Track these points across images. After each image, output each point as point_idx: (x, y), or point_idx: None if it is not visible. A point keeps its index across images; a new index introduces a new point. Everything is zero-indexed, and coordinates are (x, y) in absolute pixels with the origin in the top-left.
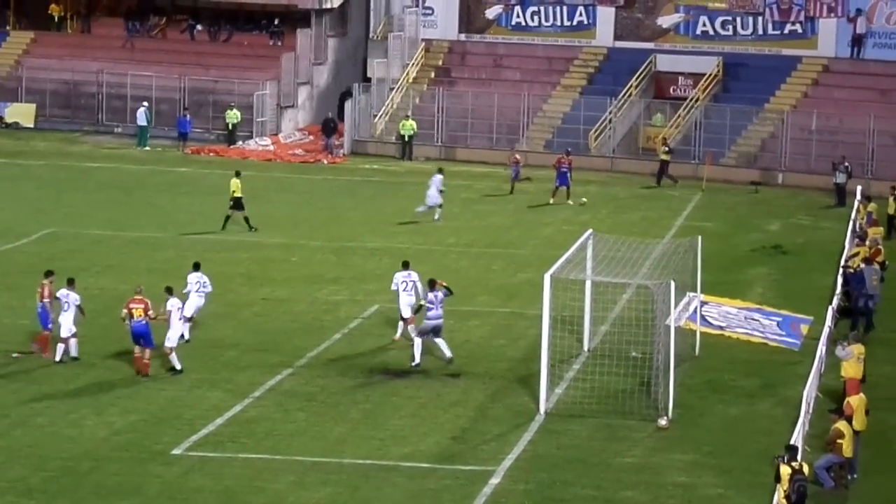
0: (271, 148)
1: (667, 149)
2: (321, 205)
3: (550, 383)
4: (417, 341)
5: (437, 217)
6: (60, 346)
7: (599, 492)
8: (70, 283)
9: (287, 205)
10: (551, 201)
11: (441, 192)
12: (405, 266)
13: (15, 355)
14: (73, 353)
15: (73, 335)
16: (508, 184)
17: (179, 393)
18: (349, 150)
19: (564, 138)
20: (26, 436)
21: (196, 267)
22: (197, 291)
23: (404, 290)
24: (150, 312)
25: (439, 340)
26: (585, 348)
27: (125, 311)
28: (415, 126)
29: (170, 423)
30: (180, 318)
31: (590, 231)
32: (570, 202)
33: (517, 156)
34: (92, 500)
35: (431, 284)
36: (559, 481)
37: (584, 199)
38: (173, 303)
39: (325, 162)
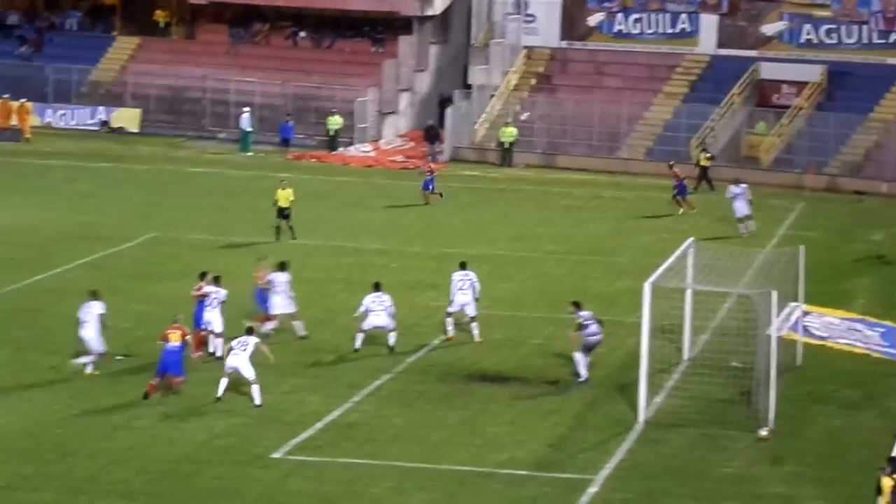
0: (372, 154)
1: (708, 154)
2: (421, 211)
3: (649, 392)
4: (578, 357)
5: (745, 230)
6: (218, 342)
7: (697, 502)
8: (216, 280)
9: (387, 211)
10: (680, 212)
11: (749, 202)
12: (462, 266)
13: (118, 357)
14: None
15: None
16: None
17: (279, 397)
18: (449, 157)
19: (665, 146)
20: (128, 438)
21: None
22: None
23: (460, 289)
24: (187, 337)
25: (586, 358)
26: (685, 357)
27: (161, 339)
28: (515, 133)
29: (270, 427)
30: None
31: (691, 239)
32: (681, 211)
33: (677, 170)
34: (194, 501)
35: (577, 305)
36: (657, 491)
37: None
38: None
39: (426, 168)
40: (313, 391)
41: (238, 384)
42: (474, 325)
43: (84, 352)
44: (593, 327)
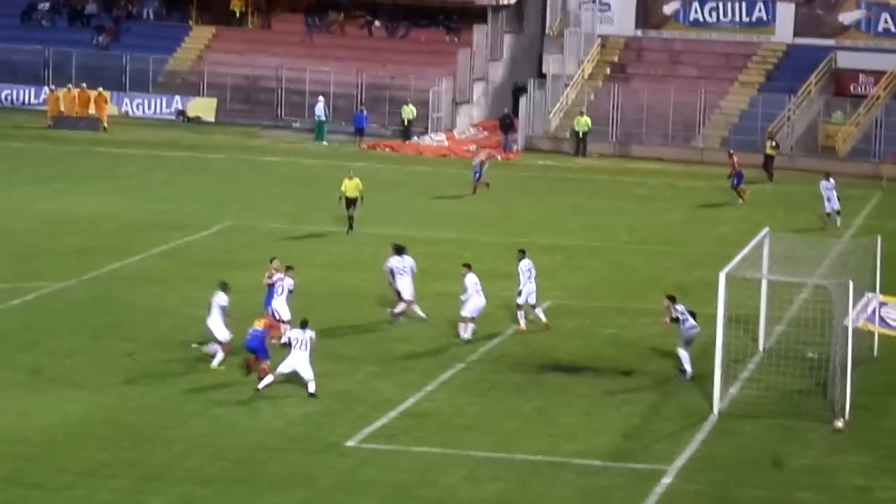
0: (446, 144)
1: (774, 143)
2: (495, 200)
3: (724, 383)
4: (682, 353)
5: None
6: (285, 328)
7: (773, 493)
8: (288, 269)
9: (461, 200)
10: (740, 202)
11: (838, 198)
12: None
13: (194, 346)
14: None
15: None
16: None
17: (353, 385)
18: (523, 147)
19: (741, 136)
20: (204, 425)
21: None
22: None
23: (528, 279)
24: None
25: (687, 353)
26: (761, 348)
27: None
28: (589, 122)
29: (343, 415)
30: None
31: (766, 229)
32: (742, 200)
33: (736, 158)
34: (267, 490)
35: (672, 299)
36: (732, 482)
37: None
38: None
39: (500, 158)
40: (386, 380)
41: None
42: (539, 310)
43: (212, 340)
44: (690, 321)
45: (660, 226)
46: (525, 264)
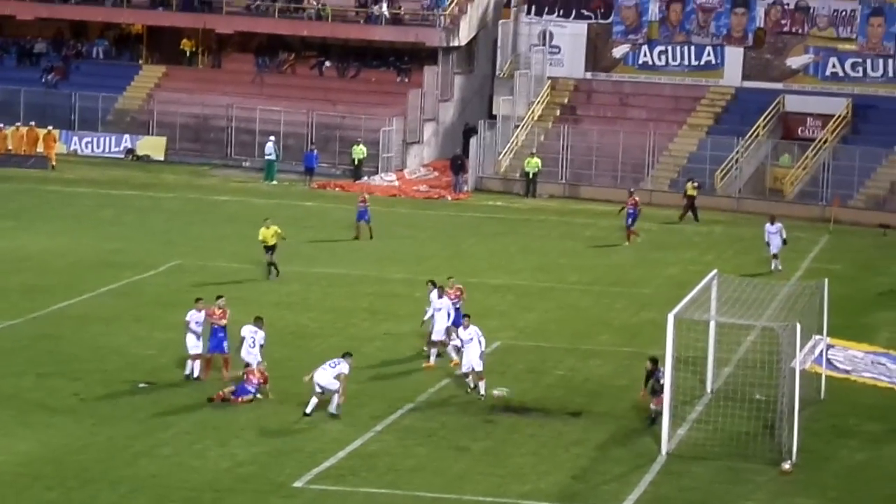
0: (396, 184)
1: (696, 184)
2: (445, 241)
3: (673, 424)
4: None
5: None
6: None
7: None
8: (258, 321)
9: (411, 240)
10: (626, 244)
11: (783, 241)
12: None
13: (142, 384)
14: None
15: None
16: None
17: (301, 426)
18: (473, 187)
19: (689, 176)
20: (151, 466)
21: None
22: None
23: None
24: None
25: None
26: (709, 390)
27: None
28: (539, 163)
29: (292, 455)
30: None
31: (715, 271)
32: (628, 243)
33: (637, 197)
34: None
35: (655, 362)
36: None
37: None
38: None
39: (450, 198)
40: (334, 422)
41: (260, 413)
42: (434, 350)
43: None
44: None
45: (609, 267)
46: (435, 296)
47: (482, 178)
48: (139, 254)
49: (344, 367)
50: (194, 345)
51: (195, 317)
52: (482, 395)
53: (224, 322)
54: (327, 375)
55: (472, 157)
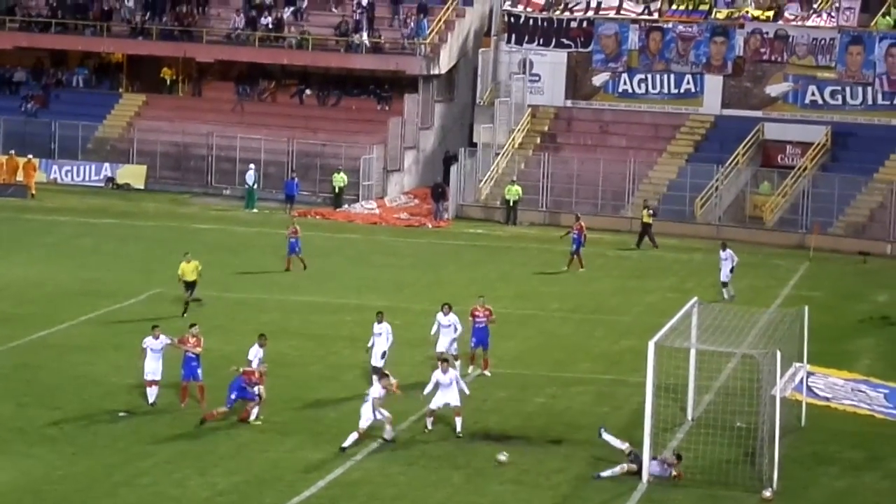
0: (377, 211)
1: (650, 212)
2: (425, 268)
3: (653, 452)
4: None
5: (727, 296)
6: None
7: None
8: (261, 337)
9: (392, 268)
10: (566, 269)
11: (731, 270)
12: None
13: (122, 414)
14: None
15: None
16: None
17: (282, 454)
18: (454, 215)
19: (670, 205)
20: (131, 495)
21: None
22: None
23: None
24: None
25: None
26: (689, 417)
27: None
28: (520, 191)
29: (272, 484)
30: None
31: (695, 299)
32: (567, 269)
33: (583, 222)
34: None
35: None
36: None
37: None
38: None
39: (430, 226)
40: (315, 448)
41: (241, 441)
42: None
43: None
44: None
45: (590, 294)
46: (382, 328)
47: (463, 205)
48: (119, 282)
49: (375, 388)
50: (150, 370)
51: (151, 344)
52: (459, 433)
53: (198, 350)
54: (368, 409)
55: (452, 184)
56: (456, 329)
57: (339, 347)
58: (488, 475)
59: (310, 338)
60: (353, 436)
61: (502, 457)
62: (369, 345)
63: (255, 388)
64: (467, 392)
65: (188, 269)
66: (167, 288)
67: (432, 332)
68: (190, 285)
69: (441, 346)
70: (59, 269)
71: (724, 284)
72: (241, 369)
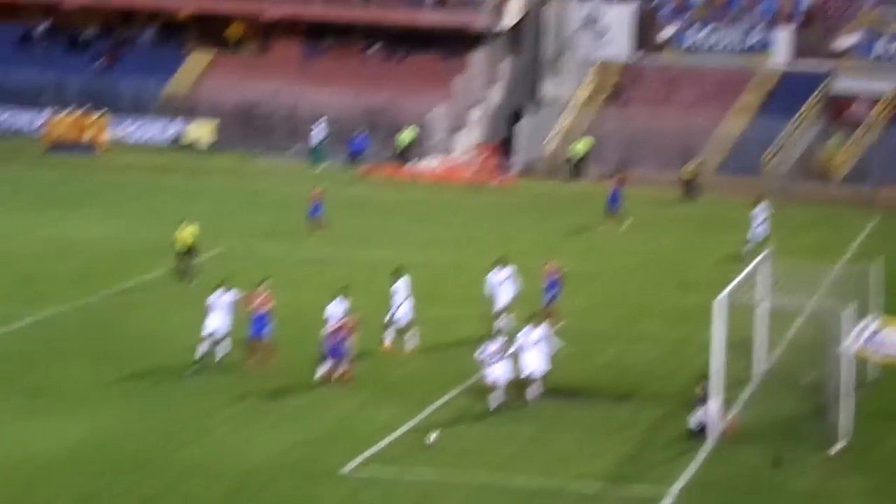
0: (442, 168)
1: (693, 167)
2: (490, 225)
3: (721, 408)
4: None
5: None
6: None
7: None
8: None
9: (457, 225)
10: (601, 228)
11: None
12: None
13: (191, 370)
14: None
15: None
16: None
17: (351, 411)
18: (520, 171)
19: (738, 160)
20: (199, 452)
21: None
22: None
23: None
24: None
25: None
26: (758, 373)
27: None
28: (586, 146)
29: (340, 440)
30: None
31: (765, 252)
32: (604, 228)
33: (621, 178)
34: None
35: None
36: None
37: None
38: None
39: (496, 182)
40: (384, 405)
41: (311, 397)
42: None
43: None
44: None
45: (657, 250)
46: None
47: (528, 161)
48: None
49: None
50: (218, 326)
51: (218, 300)
52: (528, 401)
53: (267, 307)
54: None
55: (518, 140)
56: (512, 284)
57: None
58: (555, 432)
59: (376, 294)
60: (497, 394)
61: (432, 437)
62: (489, 293)
63: (346, 344)
64: (560, 345)
65: (186, 235)
66: (235, 244)
67: (489, 287)
68: (187, 252)
69: (500, 302)
70: (127, 226)
71: (758, 241)
72: (330, 328)
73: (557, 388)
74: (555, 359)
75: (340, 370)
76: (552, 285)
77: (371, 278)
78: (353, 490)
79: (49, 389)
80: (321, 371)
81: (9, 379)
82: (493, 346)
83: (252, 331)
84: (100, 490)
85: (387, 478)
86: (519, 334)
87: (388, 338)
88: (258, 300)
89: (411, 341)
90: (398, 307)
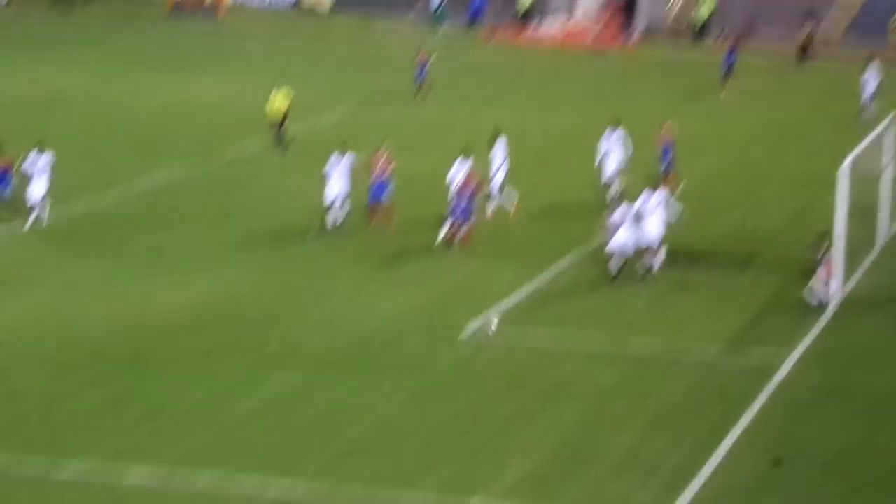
0: (564, 32)
1: (808, 25)
2: (611, 90)
3: (842, 276)
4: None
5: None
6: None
7: (891, 387)
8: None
9: (577, 89)
10: (722, 96)
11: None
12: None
13: (312, 233)
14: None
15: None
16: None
17: (471, 273)
18: (642, 35)
19: (863, 24)
20: (322, 311)
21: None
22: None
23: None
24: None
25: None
26: (880, 240)
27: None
28: (709, 10)
29: (460, 302)
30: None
31: (891, 116)
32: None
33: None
34: (384, 375)
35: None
36: (849, 374)
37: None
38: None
39: (617, 47)
40: (503, 268)
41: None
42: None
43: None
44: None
45: (781, 114)
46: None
47: (651, 25)
48: (307, 105)
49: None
50: (337, 190)
51: (338, 163)
52: (648, 268)
53: (388, 170)
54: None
55: (640, 4)
56: (623, 147)
57: (527, 166)
58: (675, 298)
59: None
60: (618, 260)
61: (493, 324)
62: (600, 157)
63: (469, 204)
64: (679, 210)
65: (280, 99)
66: (354, 108)
67: (600, 151)
68: (282, 120)
69: (611, 166)
70: (247, 90)
71: (872, 99)
72: (454, 188)
73: (677, 254)
74: (675, 224)
75: (463, 231)
76: (668, 149)
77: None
78: (472, 352)
79: (172, 250)
80: (443, 233)
81: (132, 239)
82: (614, 213)
83: (372, 194)
84: (222, 348)
85: (506, 340)
86: (638, 200)
87: (491, 205)
88: (379, 163)
89: (508, 202)
90: (497, 171)
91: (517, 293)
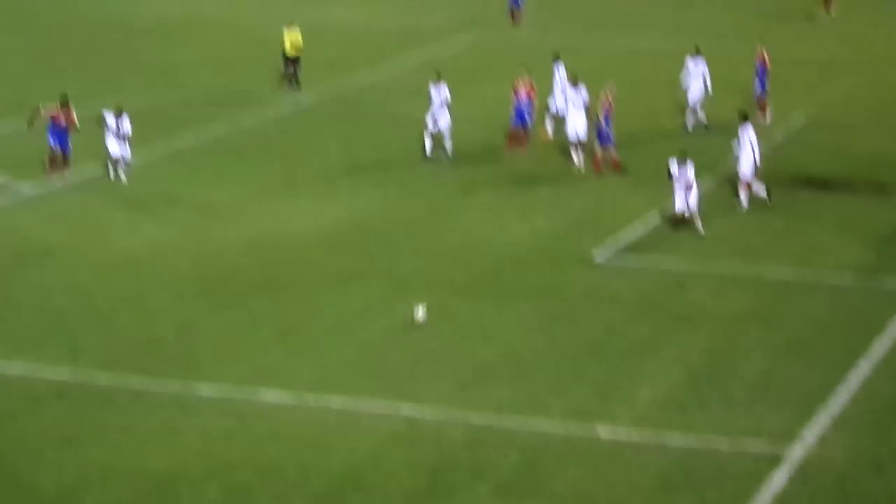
0: None
1: None
2: (739, 13)
3: None
4: None
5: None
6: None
7: None
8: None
9: (703, 13)
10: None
11: None
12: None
13: (445, 157)
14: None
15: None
16: None
17: (600, 199)
18: None
19: None
20: (453, 236)
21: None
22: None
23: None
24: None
25: None
26: None
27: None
28: None
29: (590, 228)
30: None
31: None
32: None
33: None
34: (516, 300)
35: None
36: None
37: None
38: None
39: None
40: (633, 194)
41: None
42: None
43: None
44: None
45: None
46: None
47: None
48: (438, 29)
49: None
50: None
51: (439, 92)
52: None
53: (526, 94)
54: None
55: None
56: (703, 75)
57: (660, 94)
58: (810, 223)
59: (630, 82)
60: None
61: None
62: (684, 84)
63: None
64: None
65: (293, 38)
66: (485, 33)
67: (683, 78)
68: (292, 59)
69: (693, 94)
70: (379, 13)
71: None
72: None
73: (812, 179)
74: (811, 150)
75: (599, 155)
76: (763, 71)
77: (624, 66)
78: (604, 276)
79: (307, 173)
80: (579, 159)
81: (268, 160)
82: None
83: (514, 119)
84: (357, 270)
85: (637, 265)
86: (739, 134)
87: (549, 126)
88: (522, 89)
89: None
90: (558, 95)
91: (649, 218)
